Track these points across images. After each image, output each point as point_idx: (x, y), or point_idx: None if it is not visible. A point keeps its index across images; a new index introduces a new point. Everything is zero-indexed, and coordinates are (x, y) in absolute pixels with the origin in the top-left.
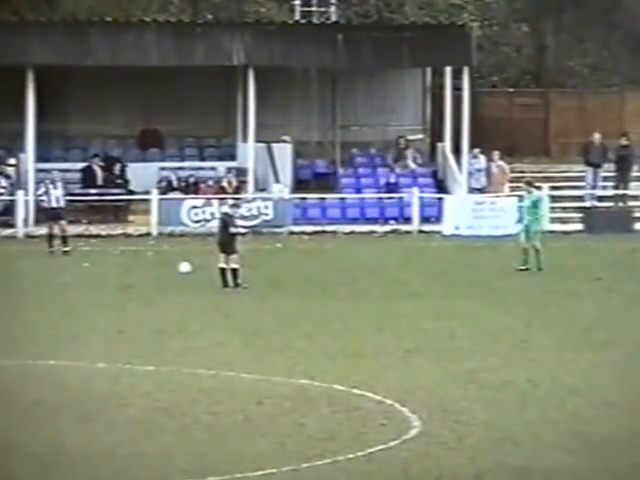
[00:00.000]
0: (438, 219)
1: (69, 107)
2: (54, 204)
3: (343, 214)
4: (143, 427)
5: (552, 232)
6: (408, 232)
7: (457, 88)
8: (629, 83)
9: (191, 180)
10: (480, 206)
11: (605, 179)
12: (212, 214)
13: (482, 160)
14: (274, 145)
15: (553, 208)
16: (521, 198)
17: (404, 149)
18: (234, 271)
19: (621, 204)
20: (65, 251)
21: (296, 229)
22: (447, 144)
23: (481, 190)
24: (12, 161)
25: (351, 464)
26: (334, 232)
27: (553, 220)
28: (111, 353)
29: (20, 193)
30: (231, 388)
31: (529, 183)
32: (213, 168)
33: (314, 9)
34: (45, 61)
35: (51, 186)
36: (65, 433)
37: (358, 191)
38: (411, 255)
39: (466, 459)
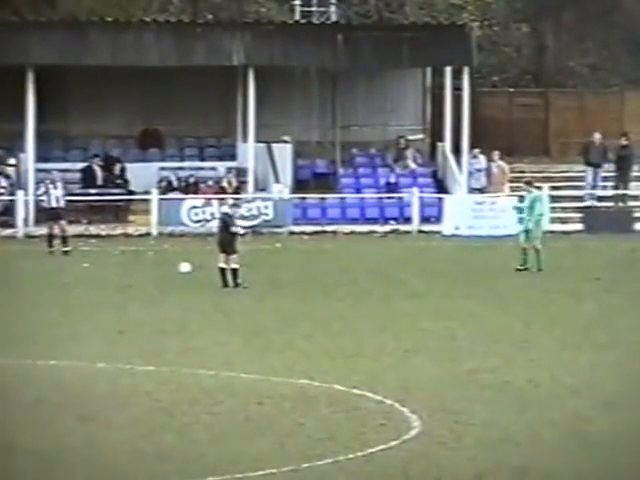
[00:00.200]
0: (438, 219)
1: (69, 107)
2: (54, 204)
3: (343, 214)
4: (143, 427)
5: (552, 232)
6: (408, 232)
7: (457, 88)
8: (629, 83)
9: (191, 180)
10: (480, 206)
11: (605, 179)
12: (212, 214)
13: (482, 160)
14: (274, 145)
15: (553, 208)
16: (521, 198)
17: (404, 149)
18: (234, 271)
19: (621, 204)
20: (65, 251)
21: (296, 229)
22: (447, 144)
23: (481, 190)
24: (12, 161)
25: (351, 464)
26: (334, 232)
27: (553, 220)
28: (111, 353)
29: (20, 193)
30: (231, 388)
31: (528, 183)
32: (213, 168)
33: (314, 9)
34: (45, 61)
35: (51, 186)
36: (65, 433)
37: (358, 191)
38: (411, 255)
39: (466, 459)
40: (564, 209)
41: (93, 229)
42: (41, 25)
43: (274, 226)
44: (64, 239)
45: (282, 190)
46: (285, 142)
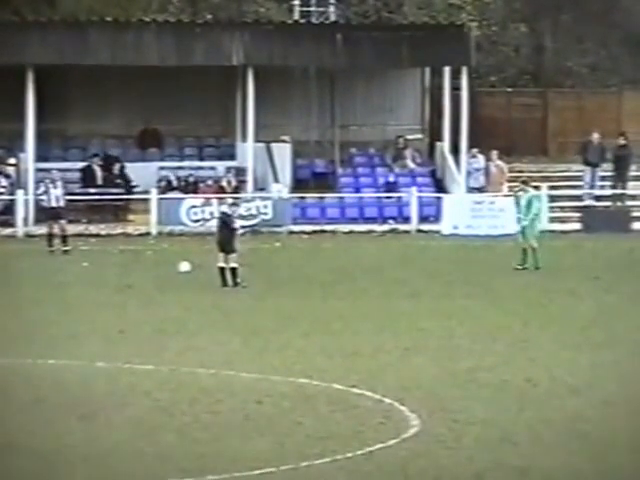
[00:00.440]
0: (437, 218)
1: (69, 107)
2: (54, 203)
3: (342, 213)
4: (143, 426)
5: (550, 231)
6: (407, 231)
7: (456, 88)
8: (627, 83)
9: (190, 179)
10: (479, 205)
11: (603, 179)
12: (211, 213)
13: (481, 160)
14: (273, 145)
15: (551, 207)
16: (516, 199)
17: (403, 149)
18: (233, 270)
19: (619, 203)
20: (65, 250)
21: (295, 228)
22: (446, 144)
23: (480, 189)
24: (12, 160)
25: (350, 463)
26: (333, 231)
27: (552, 219)
28: (110, 352)
29: (20, 192)
30: (230, 387)
31: (525, 182)
32: (212, 168)
33: (313, 9)
34: (45, 61)
35: (51, 185)
36: (65, 432)
37: (357, 190)
38: (410, 255)
39: (465, 458)
40: (562, 208)
41: (93, 228)
42: (41, 25)
43: (273, 225)
44: (64, 238)
45: (281, 190)
46: (284, 142)
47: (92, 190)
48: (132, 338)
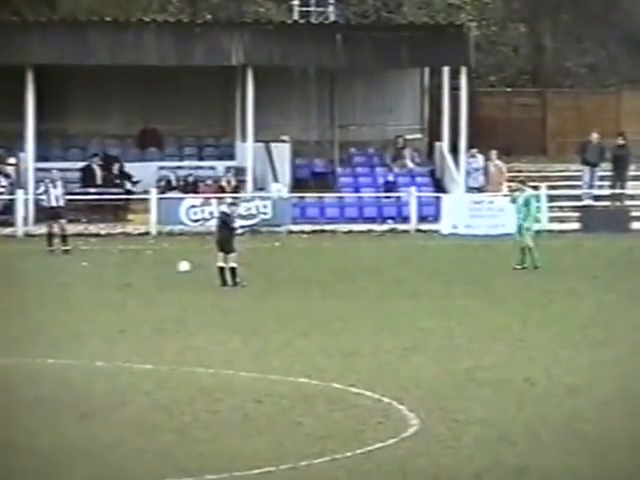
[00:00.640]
0: (436, 218)
1: (68, 106)
2: (54, 203)
3: (341, 213)
4: (142, 425)
5: (549, 231)
6: (406, 231)
7: (455, 88)
8: (626, 83)
9: (190, 179)
10: (478, 205)
11: (602, 178)
12: (211, 213)
13: (480, 159)
14: (273, 144)
15: (551, 207)
16: (513, 199)
17: (402, 148)
18: (233, 270)
19: (618, 203)
20: (65, 250)
21: (295, 228)
22: (445, 143)
23: (479, 189)
24: (12, 160)
25: (349, 462)
26: (332, 231)
27: (551, 219)
28: (110, 351)
29: (20, 192)
30: (230, 386)
31: (522, 182)
32: (212, 167)
33: (312, 9)
34: (45, 61)
35: (51, 185)
36: (65, 431)
37: (356, 190)
38: (409, 254)
39: (464, 457)
40: (561, 208)
41: (92, 228)
42: (41, 25)
43: (273, 225)
44: (64, 238)
45: (281, 189)
46: (284, 141)
47: (92, 190)
48: (132, 337)
